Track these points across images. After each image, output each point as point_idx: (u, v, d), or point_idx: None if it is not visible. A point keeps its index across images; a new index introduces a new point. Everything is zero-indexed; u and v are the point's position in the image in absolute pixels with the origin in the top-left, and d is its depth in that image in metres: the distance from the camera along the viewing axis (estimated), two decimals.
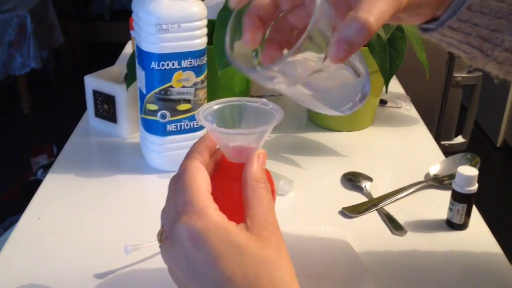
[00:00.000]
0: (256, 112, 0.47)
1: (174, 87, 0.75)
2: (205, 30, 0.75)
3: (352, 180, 0.80)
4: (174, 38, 0.72)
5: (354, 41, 0.38)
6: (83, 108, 0.98)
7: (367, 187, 0.78)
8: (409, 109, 1.08)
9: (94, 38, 4.18)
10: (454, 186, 0.68)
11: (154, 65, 0.73)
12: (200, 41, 0.75)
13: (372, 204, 0.74)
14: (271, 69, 0.41)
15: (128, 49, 1.39)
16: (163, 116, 0.77)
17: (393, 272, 0.62)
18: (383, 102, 1.07)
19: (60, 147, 0.93)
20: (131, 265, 0.62)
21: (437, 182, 0.80)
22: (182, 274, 0.42)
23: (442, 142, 1.66)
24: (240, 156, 0.46)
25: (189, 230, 0.40)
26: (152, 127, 0.78)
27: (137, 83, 0.79)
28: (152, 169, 0.82)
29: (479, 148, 2.79)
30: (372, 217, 0.72)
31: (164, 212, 0.45)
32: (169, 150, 0.79)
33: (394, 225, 0.70)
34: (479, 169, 0.70)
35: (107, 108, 0.92)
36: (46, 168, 2.23)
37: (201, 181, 0.43)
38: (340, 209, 0.73)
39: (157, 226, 0.46)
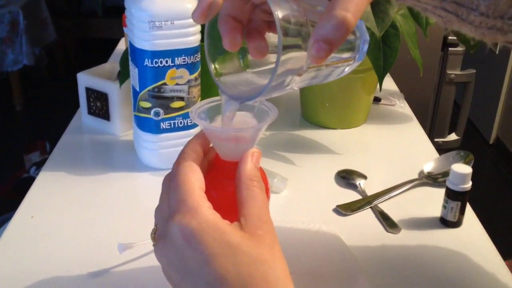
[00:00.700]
0: (250, 110, 0.47)
1: (167, 85, 0.75)
2: (198, 28, 0.75)
3: (346, 177, 0.80)
4: (167, 35, 0.72)
5: (333, 39, 0.37)
6: (76, 105, 0.98)
7: (361, 185, 0.78)
8: (403, 107, 1.08)
9: (87, 34, 4.16)
10: (448, 183, 0.69)
11: (147, 62, 0.73)
12: (193, 39, 0.74)
13: (366, 201, 0.74)
14: (267, 93, 0.40)
15: (121, 46, 1.39)
16: (157, 114, 0.76)
17: (387, 269, 0.62)
18: (377, 100, 1.07)
19: (53, 144, 0.93)
20: (124, 263, 0.61)
21: (431, 179, 0.80)
22: (176, 273, 0.41)
23: (436, 140, 1.67)
24: (234, 154, 0.46)
25: (183, 229, 0.40)
26: (146, 125, 0.78)
27: (130, 80, 0.79)
28: (145, 167, 0.81)
29: (472, 145, 2.81)
30: (366, 215, 0.72)
31: (158, 210, 0.45)
32: (162, 147, 0.79)
33: (388, 222, 0.70)
34: (472, 167, 0.70)
35: (100, 105, 0.91)
36: (39, 165, 2.23)
37: (194, 180, 0.43)
38: (334, 206, 0.73)
39: (150, 224, 0.46)
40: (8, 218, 0.72)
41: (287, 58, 0.38)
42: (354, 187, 0.78)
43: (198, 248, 0.39)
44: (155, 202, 0.46)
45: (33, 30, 3.18)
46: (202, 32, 0.77)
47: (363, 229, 0.70)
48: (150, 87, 0.74)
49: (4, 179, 2.32)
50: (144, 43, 0.72)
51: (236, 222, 0.42)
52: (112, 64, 0.98)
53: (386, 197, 0.76)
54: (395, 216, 0.71)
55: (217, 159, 0.47)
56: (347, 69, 0.45)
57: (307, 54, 0.39)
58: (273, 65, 0.39)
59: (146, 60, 0.73)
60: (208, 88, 0.83)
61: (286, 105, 1.05)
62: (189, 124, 0.79)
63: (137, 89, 0.76)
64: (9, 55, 3.09)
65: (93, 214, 0.71)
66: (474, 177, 0.68)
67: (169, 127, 0.78)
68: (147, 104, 0.76)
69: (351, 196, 0.76)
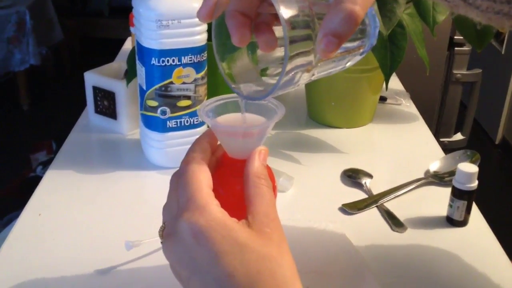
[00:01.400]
0: (258, 108, 0.47)
1: (174, 84, 0.75)
2: (205, 26, 0.75)
3: (352, 176, 0.80)
4: (174, 34, 0.72)
5: (342, 32, 0.37)
6: (82, 104, 0.98)
7: (367, 184, 0.78)
8: (409, 106, 1.08)
9: (93, 34, 4.17)
10: (454, 182, 0.68)
11: (154, 61, 0.73)
12: (200, 37, 0.75)
13: (372, 200, 0.74)
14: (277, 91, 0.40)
15: (128, 45, 1.39)
16: (163, 113, 0.77)
17: (393, 268, 0.62)
18: (383, 99, 1.07)
19: (59, 144, 0.93)
20: (131, 261, 0.62)
21: (437, 179, 0.80)
22: (184, 271, 0.42)
23: (442, 139, 1.66)
24: (242, 152, 0.46)
25: (191, 226, 0.40)
26: (152, 124, 0.78)
27: (137, 79, 0.79)
28: (152, 166, 0.82)
29: (478, 145, 2.80)
30: (372, 214, 0.72)
31: (166, 208, 0.45)
32: (169, 146, 0.79)
33: (394, 221, 0.70)
34: (478, 166, 0.70)
35: (107, 104, 0.92)
36: (45, 164, 2.24)
37: (202, 177, 0.43)
38: (340, 205, 0.73)
39: (157, 222, 0.46)
40: (15, 217, 0.72)
41: (296, 53, 0.38)
42: (360, 186, 0.78)
43: (206, 245, 0.40)
44: (162, 200, 0.47)
45: (39, 30, 3.19)
46: (208, 31, 0.77)
47: (369, 228, 0.70)
48: (157, 86, 0.75)
49: (10, 178, 2.33)
50: (151, 42, 0.73)
51: (243, 220, 0.42)
52: (119, 63, 0.99)
53: (392, 196, 0.76)
54: (401, 215, 0.71)
55: (225, 157, 0.47)
56: (359, 57, 0.45)
57: (316, 48, 0.39)
58: (282, 61, 0.39)
59: (153, 59, 0.73)
60: (215, 87, 0.84)
61: (292, 104, 1.05)
62: (195, 122, 0.79)
63: (144, 88, 0.76)
64: (16, 55, 3.11)
65: (100, 212, 0.72)
66: (480, 176, 0.68)
67: (175, 125, 0.78)
68: (154, 103, 0.76)
69: (357, 195, 0.77)
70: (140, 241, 0.63)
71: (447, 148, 1.59)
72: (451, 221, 0.70)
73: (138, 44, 0.75)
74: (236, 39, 0.43)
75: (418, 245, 0.67)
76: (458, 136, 1.68)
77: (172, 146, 0.79)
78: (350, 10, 0.37)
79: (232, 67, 0.45)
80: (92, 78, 0.93)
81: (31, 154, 2.40)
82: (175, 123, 0.78)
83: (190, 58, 0.74)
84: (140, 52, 0.75)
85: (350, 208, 0.73)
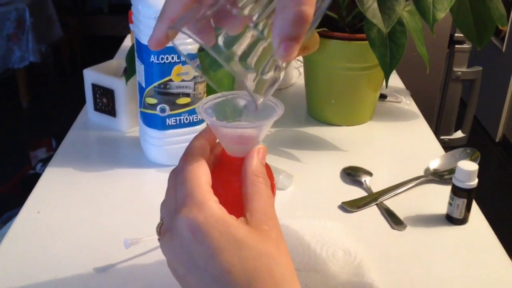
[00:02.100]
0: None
1: (173, 81, 0.75)
2: None
3: (352, 174, 0.80)
4: None
5: (296, 34, 0.36)
6: (82, 102, 0.98)
7: (367, 182, 0.78)
8: (409, 104, 1.07)
9: (92, 32, 4.17)
10: (454, 180, 0.68)
11: (153, 58, 0.73)
12: None
13: (371, 198, 0.74)
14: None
15: (127, 42, 1.39)
16: (163, 110, 0.77)
17: (393, 266, 0.62)
18: (383, 97, 1.07)
19: (58, 141, 0.93)
20: (130, 258, 0.62)
21: (437, 176, 0.80)
22: (181, 267, 0.41)
23: (442, 137, 1.66)
24: (241, 150, 0.46)
25: (189, 222, 0.40)
26: (152, 121, 0.78)
27: (136, 76, 0.79)
28: (151, 163, 0.82)
29: (478, 143, 2.79)
30: (372, 212, 0.72)
31: (164, 205, 0.45)
32: (168, 144, 0.79)
33: (393, 219, 0.70)
34: (478, 164, 0.70)
35: (106, 101, 0.92)
36: (45, 162, 2.23)
37: (201, 174, 0.43)
38: (339, 203, 0.73)
39: (156, 219, 0.46)
40: (15, 214, 0.72)
41: (260, 70, 0.38)
42: (359, 184, 0.78)
43: (204, 241, 0.39)
44: (161, 198, 0.47)
45: (39, 27, 3.19)
46: None
47: (368, 226, 0.70)
48: (156, 84, 0.75)
49: (10, 176, 2.33)
50: None
51: (242, 217, 0.42)
52: (118, 60, 0.99)
53: (392, 194, 0.75)
54: (400, 213, 0.71)
55: (224, 154, 0.47)
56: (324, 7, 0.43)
57: (276, 55, 0.37)
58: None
59: (152, 56, 0.73)
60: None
61: (291, 102, 1.05)
62: (194, 120, 0.79)
63: (143, 85, 0.76)
64: (15, 52, 3.10)
65: (99, 210, 0.72)
66: (480, 174, 0.68)
67: (175, 123, 0.78)
68: (153, 101, 0.76)
69: (356, 193, 0.76)
70: (139, 238, 0.63)
71: (447, 146, 1.59)
72: (450, 219, 0.70)
73: (137, 41, 0.75)
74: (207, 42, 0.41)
75: (417, 243, 0.67)
76: (458, 134, 1.68)
77: (171, 143, 0.79)
78: (298, 11, 0.36)
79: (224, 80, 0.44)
80: (91, 76, 0.92)
81: (31, 151, 2.40)
82: (174, 120, 0.78)
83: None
84: (139, 50, 0.75)
85: (350, 206, 0.72)
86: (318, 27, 0.89)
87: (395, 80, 1.18)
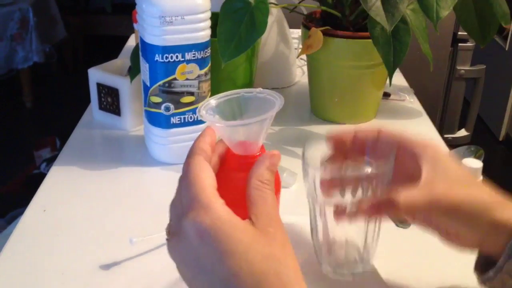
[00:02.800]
0: (257, 102, 0.47)
1: (177, 80, 0.75)
2: (208, 23, 0.75)
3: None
4: (177, 31, 0.72)
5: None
6: (86, 101, 0.98)
7: None
8: (413, 102, 1.07)
9: (95, 32, 4.17)
10: None
11: (158, 57, 0.73)
12: (203, 34, 0.75)
13: None
14: None
15: (131, 42, 1.39)
16: (167, 109, 0.77)
17: (398, 264, 0.62)
18: (386, 95, 1.07)
19: (63, 141, 0.93)
20: (135, 256, 0.62)
21: None
22: (189, 270, 0.42)
23: (445, 135, 1.66)
24: (245, 147, 0.46)
25: (197, 226, 0.40)
26: (156, 120, 0.78)
27: (141, 75, 0.79)
28: (155, 162, 0.82)
29: (481, 141, 2.78)
30: None
31: (173, 206, 0.45)
32: (172, 142, 0.79)
33: (398, 217, 0.70)
34: (482, 162, 0.70)
35: (111, 100, 0.92)
36: (49, 161, 2.24)
37: (205, 177, 0.43)
38: None
39: (161, 218, 0.46)
40: (19, 214, 0.72)
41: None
42: None
43: (212, 245, 0.39)
44: (166, 196, 0.47)
45: (43, 27, 3.19)
46: (212, 27, 0.77)
47: None
48: (160, 82, 0.75)
49: (15, 175, 2.34)
50: (154, 38, 0.73)
51: (247, 219, 0.42)
52: (123, 59, 0.99)
53: None
54: None
55: (228, 153, 0.47)
56: None
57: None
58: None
59: (157, 55, 0.73)
60: (218, 83, 0.84)
61: (295, 101, 1.05)
62: (199, 119, 0.79)
63: (148, 84, 0.76)
64: (19, 52, 3.11)
65: (104, 208, 0.72)
66: (483, 173, 0.68)
67: (179, 122, 0.78)
68: (157, 99, 0.76)
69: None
70: (144, 237, 0.63)
71: (451, 144, 1.59)
72: None
73: (142, 40, 0.75)
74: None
75: (422, 240, 0.67)
76: (462, 133, 1.68)
77: (176, 142, 0.79)
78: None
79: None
80: (96, 75, 0.93)
81: (35, 151, 2.41)
82: (178, 119, 0.78)
83: (193, 54, 0.74)
84: (144, 49, 0.75)
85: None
86: (321, 26, 0.89)
87: (398, 78, 1.18)
